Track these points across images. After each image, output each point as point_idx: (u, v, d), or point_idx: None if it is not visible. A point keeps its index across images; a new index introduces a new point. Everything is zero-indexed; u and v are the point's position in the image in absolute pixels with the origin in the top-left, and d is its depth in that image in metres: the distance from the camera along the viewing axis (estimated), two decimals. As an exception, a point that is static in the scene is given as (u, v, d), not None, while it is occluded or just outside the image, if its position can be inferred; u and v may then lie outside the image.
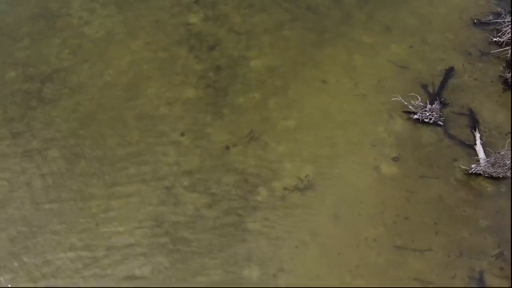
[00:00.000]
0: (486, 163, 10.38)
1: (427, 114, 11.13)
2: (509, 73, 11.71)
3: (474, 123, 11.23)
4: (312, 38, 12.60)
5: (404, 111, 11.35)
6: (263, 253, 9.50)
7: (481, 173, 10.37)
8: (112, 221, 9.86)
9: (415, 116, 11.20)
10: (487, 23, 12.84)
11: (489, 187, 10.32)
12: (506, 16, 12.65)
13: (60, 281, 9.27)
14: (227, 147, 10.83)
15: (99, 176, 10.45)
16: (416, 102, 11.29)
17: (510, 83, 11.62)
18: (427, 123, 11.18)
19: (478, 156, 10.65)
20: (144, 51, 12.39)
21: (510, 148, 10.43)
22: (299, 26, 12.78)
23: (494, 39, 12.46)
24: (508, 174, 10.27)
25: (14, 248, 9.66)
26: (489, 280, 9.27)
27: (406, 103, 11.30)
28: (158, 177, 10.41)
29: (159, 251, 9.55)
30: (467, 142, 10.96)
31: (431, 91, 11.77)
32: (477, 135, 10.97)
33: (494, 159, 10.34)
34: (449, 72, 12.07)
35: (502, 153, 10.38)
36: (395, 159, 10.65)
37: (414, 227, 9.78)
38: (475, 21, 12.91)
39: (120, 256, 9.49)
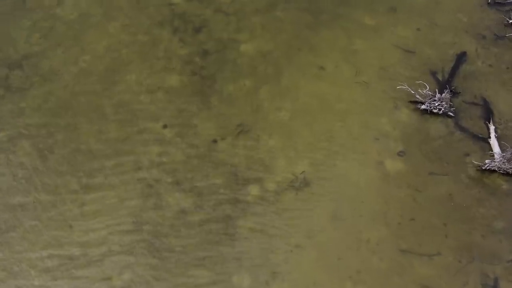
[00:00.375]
0: (501, 158, 10.28)
1: (436, 104, 10.98)
2: (526, 58, 11.49)
3: (488, 114, 11.09)
4: (308, 19, 12.48)
5: (410, 101, 11.20)
6: (254, 257, 9.41)
7: (496, 169, 10.24)
8: (87, 221, 9.76)
9: (423, 106, 11.05)
10: (503, 3, 12.72)
11: (504, 184, 10.25)
12: (523, -5, 12.38)
13: (29, 282, 9.23)
14: (215, 141, 10.71)
15: (73, 171, 10.31)
16: (424, 91, 11.14)
17: (527, 70, 11.39)
18: (436, 114, 11.03)
19: (492, 151, 10.52)
20: (123, 34, 12.24)
21: (528, 141, 10.16)
22: (293, 6, 12.67)
23: (510, 21, 12.33)
24: (526, 170, 10.02)
25: (-20, 248, 9.69)
26: (504, 287, 9.21)
27: (413, 92, 11.14)
28: (138, 174, 10.26)
29: (140, 254, 9.45)
30: (480, 135, 10.84)
31: (440, 78, 11.64)
32: (492, 127, 10.83)
33: (511, 154, 10.23)
34: (461, 58, 11.91)
35: (519, 147, 10.12)
36: (400, 154, 10.56)
37: (421, 229, 9.68)
38: (489, 1, 12.77)
39: (96, 258, 9.40)
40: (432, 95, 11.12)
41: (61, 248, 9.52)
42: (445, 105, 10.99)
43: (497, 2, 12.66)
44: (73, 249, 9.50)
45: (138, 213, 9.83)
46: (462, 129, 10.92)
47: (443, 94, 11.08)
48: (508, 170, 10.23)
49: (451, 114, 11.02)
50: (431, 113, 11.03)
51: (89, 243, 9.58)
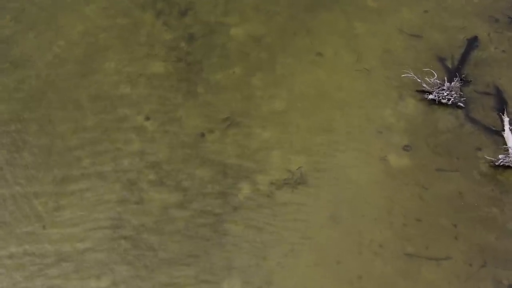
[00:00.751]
0: (516, 153, 10.12)
1: (445, 94, 10.97)
2: (543, 44, 11.49)
3: (501, 105, 11.11)
4: (305, 0, 12.59)
5: (417, 90, 11.22)
6: (246, 262, 9.40)
7: (511, 165, 10.24)
8: (62, 222, 9.75)
9: (430, 96, 11.05)
10: (517, -16, 12.54)
11: (519, 182, 10.20)
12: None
13: (-3, 281, 9.25)
14: (202, 134, 10.74)
15: (47, 168, 10.31)
16: (432, 79, 11.12)
17: (544, 56, 11.40)
18: (445, 104, 11.04)
19: (506, 145, 10.50)
20: (101, 17, 12.34)
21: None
22: (289, -14, 12.68)
23: (526, 3, 12.13)
24: (544, 166, 9.91)
25: None
26: (520, 294, 9.07)
27: (419, 81, 11.13)
28: (118, 170, 10.28)
29: (120, 259, 9.43)
30: (493, 128, 10.84)
31: (449, 65, 11.64)
32: (506, 119, 10.81)
33: (527, 148, 9.99)
34: (472, 43, 11.92)
35: (537, 141, 10.09)
36: (406, 149, 10.56)
37: (429, 230, 9.69)
38: (502, -19, 12.56)
39: (72, 264, 9.36)
40: (440, 83, 11.09)
41: (34, 246, 9.50)
42: (455, 95, 10.97)
43: (511, -17, 12.49)
44: (47, 247, 9.50)
45: (118, 210, 9.84)
46: (473, 121, 10.90)
47: (452, 83, 11.04)
48: (524, 166, 9.96)
49: (461, 104, 11.00)
50: (439, 103, 11.02)
51: (64, 240, 9.57)
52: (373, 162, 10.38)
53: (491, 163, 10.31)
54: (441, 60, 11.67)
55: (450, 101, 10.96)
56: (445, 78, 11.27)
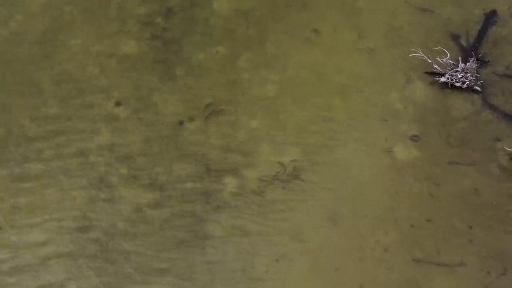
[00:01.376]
0: (541, 144, 9.88)
1: (459, 76, 10.92)
2: None
3: None
4: None
5: (426, 72, 11.21)
6: (231, 269, 9.44)
7: None
8: (20, 224, 9.78)
9: (443, 79, 10.98)
10: (540, -49, 12.29)
11: (544, 177, 10.13)
12: None
13: None
14: (181, 122, 10.77)
15: (2, 162, 10.30)
16: (444, 60, 11.04)
17: None
18: (459, 88, 10.99)
19: None
20: None
21: None
22: (281, -51, 12.32)
23: (550, -28, 11.88)
24: None
25: None
26: (542, 305, 9.09)
27: (430, 61, 11.05)
28: (85, 163, 10.27)
29: (86, 265, 9.46)
30: None
31: (464, 44, 11.63)
32: None
33: (553, 139, 9.87)
34: (490, 18, 11.89)
35: None
36: (414, 139, 10.62)
37: (440, 233, 9.72)
38: None
39: (31, 271, 9.37)
40: (453, 64, 11.06)
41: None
42: (470, 77, 10.95)
43: (533, -51, 12.22)
44: (3, 251, 9.51)
45: (85, 209, 9.88)
46: (492, 108, 10.92)
47: (467, 64, 11.02)
48: (549, 159, 9.83)
49: (477, 88, 10.97)
50: (453, 87, 10.99)
51: (23, 244, 9.60)
52: (377, 154, 10.44)
53: (512, 156, 10.08)
54: (455, 37, 11.69)
55: (465, 85, 10.93)
56: (459, 58, 11.26)
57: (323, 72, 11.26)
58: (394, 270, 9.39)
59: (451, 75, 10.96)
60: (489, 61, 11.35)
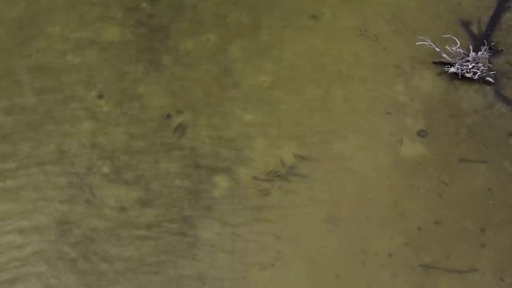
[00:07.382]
0: (559, 140, 9.90)
1: (470, 66, 10.88)
2: None
3: None
4: None
5: (435, 62, 11.19)
6: (222, 275, 9.36)
7: None
8: None
9: (452, 69, 10.94)
10: None
11: (562, 176, 10.05)
12: None
13: None
14: (169, 116, 10.72)
15: None
16: (454, 48, 11.01)
17: None
18: (470, 79, 10.96)
19: None
20: None
21: None
22: None
23: None
24: None
25: None
26: (560, 315, 8.97)
27: (438, 50, 11.00)
28: (64, 160, 10.18)
29: (66, 272, 9.35)
30: None
31: (476, 31, 11.65)
32: None
33: None
34: (504, 3, 11.90)
35: None
36: (421, 134, 10.58)
37: (450, 236, 9.66)
38: None
39: (6, 272, 9.29)
40: (464, 53, 11.03)
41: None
42: (482, 68, 10.90)
43: None
44: None
45: (64, 210, 9.78)
46: (506, 100, 10.91)
47: (479, 53, 10.98)
48: None
49: (490, 79, 10.93)
50: (463, 78, 10.96)
51: None
52: (381, 150, 10.43)
53: (527, 152, 9.85)
54: (465, 24, 11.74)
55: (477, 75, 10.89)
56: (470, 47, 11.24)
57: (322, 61, 11.24)
58: (400, 276, 9.31)
59: (461, 65, 10.91)
60: (502, 50, 11.30)
